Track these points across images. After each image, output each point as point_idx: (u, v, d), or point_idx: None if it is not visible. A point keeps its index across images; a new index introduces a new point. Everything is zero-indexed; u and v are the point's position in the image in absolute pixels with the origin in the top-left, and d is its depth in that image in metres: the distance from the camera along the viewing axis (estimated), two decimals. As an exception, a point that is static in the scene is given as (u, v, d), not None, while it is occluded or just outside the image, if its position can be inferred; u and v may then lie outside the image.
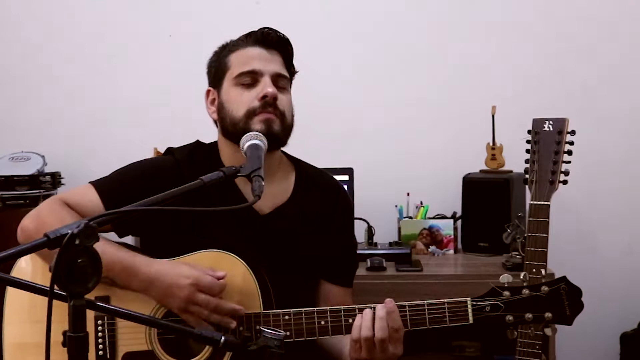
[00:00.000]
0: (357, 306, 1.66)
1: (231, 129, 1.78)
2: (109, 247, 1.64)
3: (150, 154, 2.83)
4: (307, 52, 3.16)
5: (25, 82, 3.37)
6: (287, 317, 1.65)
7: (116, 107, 3.35)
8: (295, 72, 1.89)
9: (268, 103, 1.74)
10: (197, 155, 1.85)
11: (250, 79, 1.77)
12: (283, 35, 1.84)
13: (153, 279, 1.64)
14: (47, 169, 3.13)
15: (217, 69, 1.83)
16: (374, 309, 1.63)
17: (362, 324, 1.61)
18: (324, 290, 1.89)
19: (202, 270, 1.65)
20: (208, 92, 1.87)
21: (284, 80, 1.81)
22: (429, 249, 3.02)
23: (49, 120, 3.35)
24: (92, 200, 1.75)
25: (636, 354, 3.01)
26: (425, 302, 1.63)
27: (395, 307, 1.62)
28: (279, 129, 1.76)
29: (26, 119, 3.36)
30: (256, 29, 1.82)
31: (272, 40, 1.80)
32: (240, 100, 1.76)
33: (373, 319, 1.61)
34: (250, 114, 1.74)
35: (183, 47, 3.28)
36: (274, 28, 1.84)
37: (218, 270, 1.67)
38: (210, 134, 1.92)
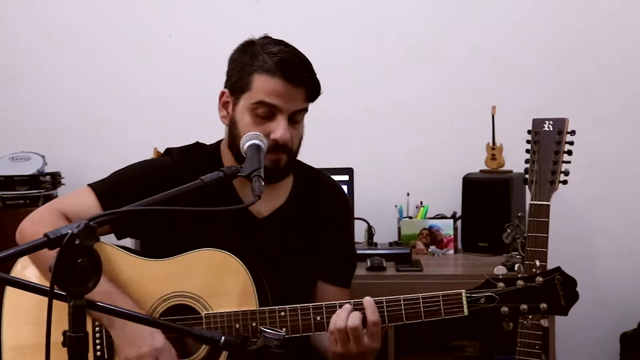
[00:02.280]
0: (352, 301, 1.66)
1: (237, 153, 1.75)
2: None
3: (150, 154, 2.83)
4: (307, 52, 3.19)
5: (25, 82, 3.37)
6: (282, 313, 1.65)
7: (116, 107, 3.35)
8: (319, 93, 1.80)
9: (278, 146, 1.72)
10: (197, 156, 1.84)
11: (268, 111, 1.72)
12: (311, 68, 1.77)
13: (124, 322, 1.63)
14: (47, 169, 3.13)
15: (238, 78, 1.76)
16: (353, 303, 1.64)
17: (338, 315, 1.63)
18: (321, 291, 1.88)
19: (170, 349, 1.65)
20: (223, 93, 1.81)
21: (303, 112, 1.78)
22: (429, 249, 3.02)
23: (49, 120, 3.35)
24: (90, 204, 1.74)
25: (636, 354, 3.01)
26: (420, 295, 1.63)
27: (372, 301, 1.63)
28: (285, 165, 1.77)
29: (26, 119, 3.36)
30: (288, 59, 1.73)
31: (300, 79, 1.73)
32: (250, 132, 1.71)
33: (349, 312, 1.62)
34: None
35: (183, 47, 3.28)
36: (301, 57, 1.77)
37: (214, 276, 1.66)
38: (210, 134, 1.91)
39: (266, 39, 1.80)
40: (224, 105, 1.81)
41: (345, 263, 1.94)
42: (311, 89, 1.76)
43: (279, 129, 1.71)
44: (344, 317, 1.62)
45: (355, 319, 1.61)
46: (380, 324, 1.63)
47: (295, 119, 1.76)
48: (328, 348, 1.67)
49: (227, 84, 1.81)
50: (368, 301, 1.64)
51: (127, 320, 1.54)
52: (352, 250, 1.99)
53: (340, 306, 1.65)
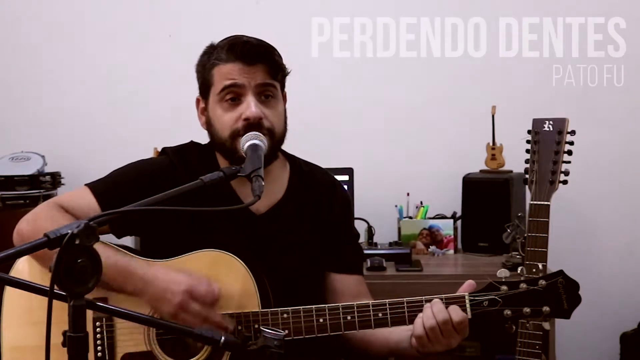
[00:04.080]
0: (355, 303, 1.66)
1: (220, 147, 1.78)
2: (106, 250, 1.62)
3: (150, 154, 2.83)
4: (307, 51, 3.20)
5: (25, 82, 3.37)
6: (285, 315, 1.65)
7: (116, 107, 3.35)
8: (287, 74, 1.82)
9: (252, 125, 1.70)
10: (192, 155, 1.84)
11: (233, 94, 1.72)
12: (266, 45, 1.77)
13: (147, 282, 1.63)
14: (47, 169, 3.12)
15: (203, 80, 1.80)
16: (388, 306, 1.63)
17: (424, 314, 1.61)
18: (336, 282, 1.87)
19: (198, 278, 1.63)
20: (198, 100, 1.84)
21: (271, 88, 1.76)
22: (429, 249, 3.02)
23: (49, 120, 3.35)
24: (89, 203, 1.74)
25: (636, 354, 3.01)
26: (423, 297, 1.63)
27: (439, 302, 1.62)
28: (266, 148, 1.72)
29: (26, 119, 3.36)
30: (237, 42, 1.75)
31: (253, 55, 1.73)
32: (224, 121, 1.73)
33: (431, 310, 1.61)
34: (235, 135, 1.70)
35: (183, 47, 3.27)
36: (256, 38, 1.78)
37: (215, 278, 1.66)
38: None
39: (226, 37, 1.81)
40: (202, 112, 1.83)
41: (354, 250, 1.94)
42: (270, 64, 1.75)
43: (248, 106, 1.71)
44: (431, 315, 1.59)
45: (444, 312, 1.59)
46: (467, 321, 1.61)
47: (265, 94, 1.74)
48: (418, 350, 1.65)
49: (199, 91, 1.83)
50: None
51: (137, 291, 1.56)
52: (357, 239, 1.99)
53: (344, 308, 1.64)
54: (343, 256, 1.90)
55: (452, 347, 1.63)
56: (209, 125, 1.80)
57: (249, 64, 1.72)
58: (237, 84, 1.72)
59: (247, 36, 1.79)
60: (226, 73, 1.73)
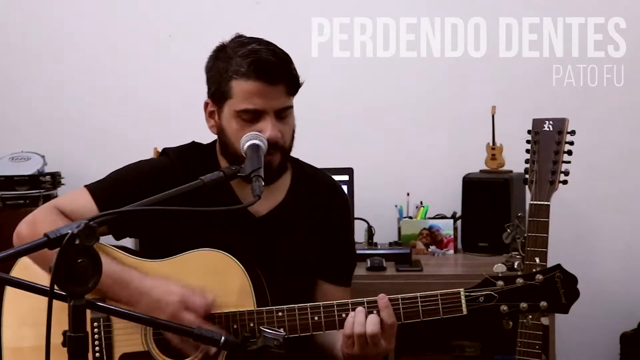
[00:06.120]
0: (350, 300, 1.65)
1: (231, 157, 1.76)
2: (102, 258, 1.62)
3: (150, 154, 2.83)
4: (307, 51, 3.20)
5: (25, 83, 3.37)
6: (280, 313, 1.65)
7: (116, 107, 3.35)
8: (301, 85, 1.79)
9: (269, 145, 1.69)
10: (193, 156, 1.84)
11: (252, 115, 1.71)
12: (286, 61, 1.75)
13: (143, 293, 1.63)
14: (47, 169, 3.13)
15: (217, 87, 1.75)
16: (366, 304, 1.63)
17: (355, 319, 1.61)
18: (321, 290, 1.88)
19: (193, 289, 1.64)
20: (207, 104, 1.81)
21: (288, 109, 1.76)
22: (429, 249, 3.02)
23: (49, 120, 3.35)
24: (87, 206, 1.74)
25: (636, 354, 3.01)
26: (418, 294, 1.62)
27: (388, 302, 1.62)
28: (279, 164, 1.74)
29: (26, 119, 3.36)
30: (260, 59, 1.70)
31: (275, 75, 1.70)
32: (240, 136, 1.70)
33: (366, 315, 1.61)
34: None
35: (183, 47, 3.28)
36: (275, 52, 1.74)
37: (211, 277, 1.66)
38: (210, 134, 1.91)
39: (237, 40, 1.77)
40: (210, 115, 1.81)
41: (345, 262, 1.94)
42: (290, 83, 1.74)
43: (267, 129, 1.70)
44: (362, 322, 1.60)
45: (375, 325, 1.60)
46: (396, 325, 1.62)
47: (282, 115, 1.74)
48: (342, 349, 1.66)
49: (209, 94, 1.80)
50: (384, 303, 1.62)
51: (130, 308, 1.54)
52: (352, 249, 1.99)
53: (353, 308, 1.63)
54: (333, 266, 1.89)
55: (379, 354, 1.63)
56: (220, 133, 1.78)
57: (270, 84, 1.70)
58: (258, 110, 1.70)
59: (267, 48, 1.74)
60: (247, 92, 1.70)
